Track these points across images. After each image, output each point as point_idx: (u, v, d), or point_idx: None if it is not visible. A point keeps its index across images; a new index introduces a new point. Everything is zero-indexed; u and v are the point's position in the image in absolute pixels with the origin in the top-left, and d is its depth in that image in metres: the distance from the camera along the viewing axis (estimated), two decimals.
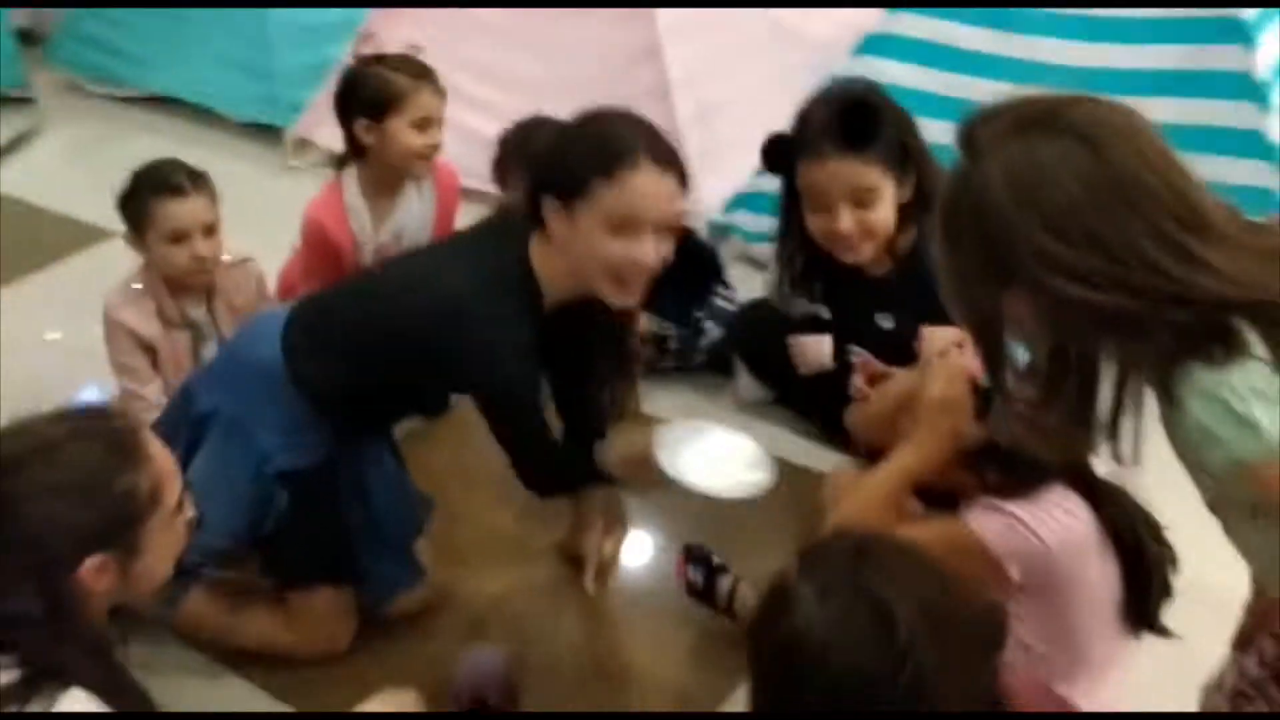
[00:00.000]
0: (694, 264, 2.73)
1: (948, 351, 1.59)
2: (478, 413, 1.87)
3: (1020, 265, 1.15)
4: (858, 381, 1.91)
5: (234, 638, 2.04)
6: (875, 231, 1.91)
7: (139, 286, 2.36)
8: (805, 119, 1.94)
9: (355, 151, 2.47)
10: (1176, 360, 1.14)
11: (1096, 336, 1.20)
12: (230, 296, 2.41)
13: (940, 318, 1.85)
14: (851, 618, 1.07)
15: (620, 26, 3.31)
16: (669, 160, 1.72)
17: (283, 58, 3.90)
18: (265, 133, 3.95)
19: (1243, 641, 1.49)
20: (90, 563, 1.29)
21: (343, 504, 2.01)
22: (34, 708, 1.22)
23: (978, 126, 1.22)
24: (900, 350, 2.01)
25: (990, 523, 1.50)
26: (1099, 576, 1.52)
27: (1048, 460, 1.46)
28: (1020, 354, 1.34)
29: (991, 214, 1.16)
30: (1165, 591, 1.54)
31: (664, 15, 3.27)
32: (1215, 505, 1.27)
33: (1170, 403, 1.16)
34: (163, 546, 1.38)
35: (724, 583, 2.11)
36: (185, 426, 1.90)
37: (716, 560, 2.14)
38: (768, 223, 2.92)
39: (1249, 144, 2.45)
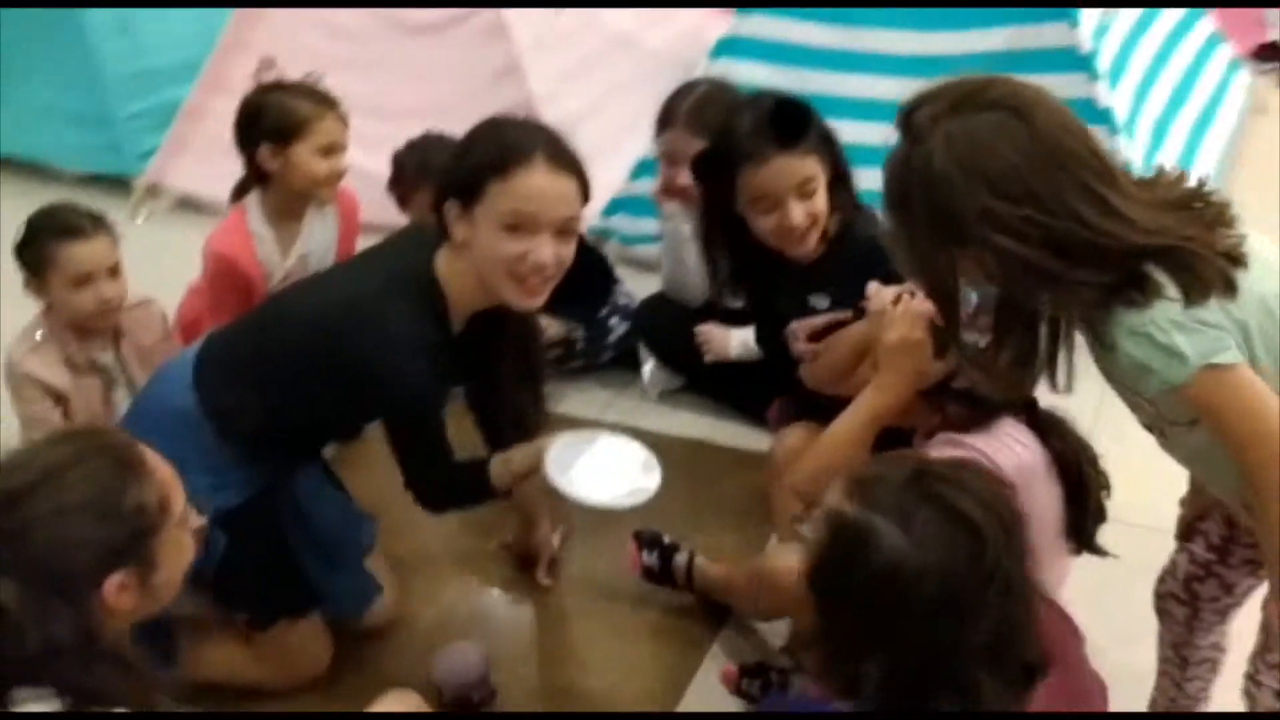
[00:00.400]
0: (588, 264, 2.83)
1: (898, 299, 1.71)
2: None
3: (969, 228, 1.29)
4: (799, 346, 2.04)
5: (200, 671, 2.00)
6: (819, 219, 2.02)
7: (41, 335, 2.28)
8: (732, 129, 2.02)
9: (258, 178, 2.47)
10: (1103, 307, 1.30)
11: (1035, 289, 1.35)
12: (137, 338, 2.36)
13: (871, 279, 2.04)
14: (941, 537, 1.15)
15: (478, 48, 3.39)
16: (566, 161, 1.75)
17: (122, 105, 3.81)
18: (106, 184, 3.82)
19: (1186, 533, 1.68)
20: (112, 581, 1.28)
21: (286, 534, 2.00)
22: None
23: (914, 111, 1.35)
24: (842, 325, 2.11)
25: (951, 454, 1.61)
26: (1046, 501, 1.64)
27: (998, 398, 1.61)
28: (970, 298, 1.49)
29: (940, 185, 1.30)
30: (1101, 515, 1.67)
31: (520, 33, 3.37)
32: (1152, 425, 1.45)
33: (1103, 345, 1.33)
34: (176, 557, 1.38)
35: (680, 559, 2.20)
36: None
37: (667, 539, 2.23)
38: (645, 225, 3.09)
39: (1081, 111, 2.72)
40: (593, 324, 2.83)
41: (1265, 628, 1.62)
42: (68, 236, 2.21)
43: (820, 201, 2.00)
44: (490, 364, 1.98)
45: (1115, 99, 2.87)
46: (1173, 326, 1.28)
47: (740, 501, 2.48)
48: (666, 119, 2.58)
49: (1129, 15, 3.19)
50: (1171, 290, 1.28)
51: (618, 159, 3.26)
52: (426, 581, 2.30)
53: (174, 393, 1.90)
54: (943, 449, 1.68)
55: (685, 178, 2.53)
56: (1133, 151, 2.85)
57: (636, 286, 3.00)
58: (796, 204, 1.98)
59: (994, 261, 1.31)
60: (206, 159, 3.70)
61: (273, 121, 2.39)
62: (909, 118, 1.35)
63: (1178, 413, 1.37)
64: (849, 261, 2.04)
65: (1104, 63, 2.87)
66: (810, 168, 1.99)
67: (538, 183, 1.71)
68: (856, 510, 1.20)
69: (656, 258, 3.01)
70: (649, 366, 2.83)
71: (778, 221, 1.99)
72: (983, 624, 1.15)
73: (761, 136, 1.96)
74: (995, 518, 1.17)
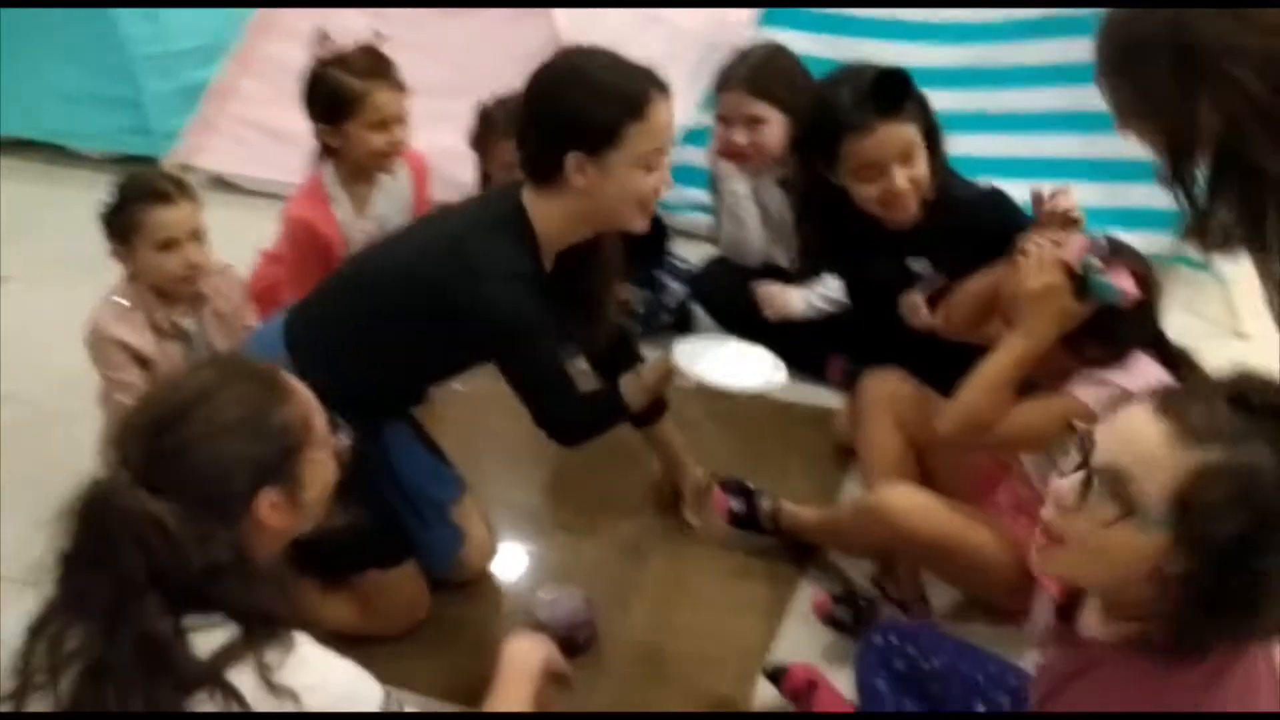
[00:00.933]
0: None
1: (1038, 244, 1.80)
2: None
3: (1215, 61, 1.35)
4: (922, 316, 2.17)
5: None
6: (921, 185, 2.10)
7: (125, 302, 2.31)
8: (832, 101, 2.09)
9: (324, 151, 2.51)
10: None
11: (1268, 139, 1.39)
12: (217, 304, 2.39)
13: (970, 249, 2.12)
14: None
15: (518, 25, 3.44)
16: (666, 86, 1.84)
17: (150, 86, 3.80)
18: (132, 165, 3.81)
19: None
20: (264, 498, 1.32)
21: (379, 488, 2.03)
22: (270, 659, 1.25)
23: None
24: (941, 288, 2.20)
25: (1096, 392, 1.73)
26: None
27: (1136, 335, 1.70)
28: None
29: (1189, 21, 1.37)
30: None
31: (559, 12, 3.42)
32: None
33: None
34: (321, 476, 1.41)
35: (765, 503, 2.26)
36: None
37: (751, 485, 2.30)
38: (691, 194, 3.15)
39: None
40: (650, 286, 2.89)
41: None
42: (154, 200, 2.24)
43: (921, 167, 2.08)
44: (590, 293, 2.03)
45: None
46: None
47: (808, 453, 2.56)
48: (725, 82, 2.65)
49: None
50: None
51: None
52: (518, 533, 2.36)
53: (268, 358, 1.91)
54: (1085, 387, 1.78)
55: (742, 138, 2.62)
56: None
57: (686, 254, 3.07)
58: (900, 170, 2.05)
59: (1235, 102, 1.36)
60: (236, 139, 3.74)
61: (324, 100, 2.44)
62: None
63: None
64: (945, 225, 2.15)
65: None
66: (912, 135, 2.07)
67: (664, 117, 1.81)
68: (1229, 455, 1.09)
69: (703, 226, 3.09)
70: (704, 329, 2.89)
71: (883, 189, 2.07)
72: None
73: (864, 107, 2.04)
74: None
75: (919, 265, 2.20)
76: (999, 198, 2.18)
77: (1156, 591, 1.14)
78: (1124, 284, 1.73)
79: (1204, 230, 1.53)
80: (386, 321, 1.90)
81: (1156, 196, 1.73)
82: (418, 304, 1.85)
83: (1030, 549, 2.03)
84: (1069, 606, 1.36)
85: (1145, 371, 1.74)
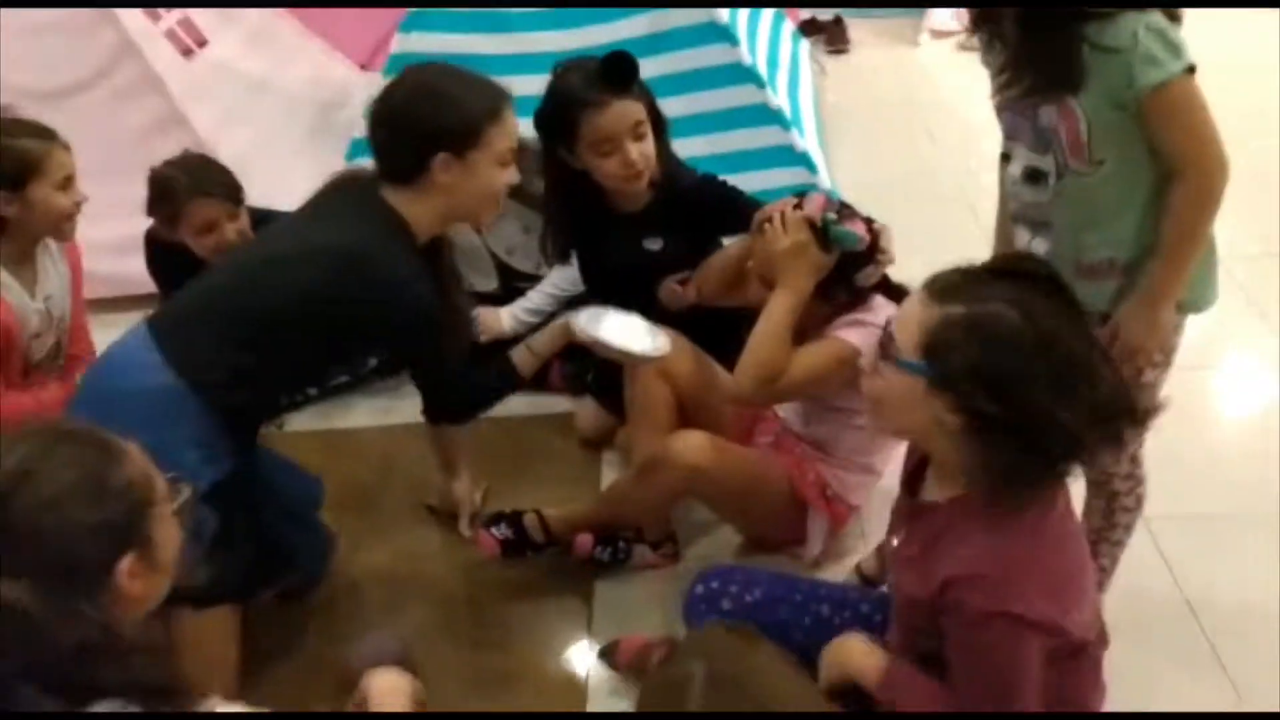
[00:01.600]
0: None
1: (776, 213, 2.04)
2: None
3: None
4: (673, 289, 2.40)
5: None
6: (651, 160, 2.30)
7: None
8: (564, 88, 2.27)
9: None
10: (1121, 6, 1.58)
11: None
12: None
13: (697, 226, 2.40)
14: (1048, 307, 1.36)
15: (131, 103, 3.28)
16: (508, 92, 2.01)
17: None
18: None
19: None
20: (122, 567, 1.23)
21: (257, 505, 2.02)
22: None
23: None
24: (674, 263, 2.42)
25: (859, 334, 2.02)
26: None
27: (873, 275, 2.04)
28: None
29: None
30: None
31: (172, 84, 3.31)
32: (1050, 174, 1.72)
33: (1104, 50, 1.57)
34: (171, 534, 1.33)
35: (528, 519, 2.31)
36: None
37: (508, 510, 2.35)
38: None
39: (759, 116, 3.19)
40: None
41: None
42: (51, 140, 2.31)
43: (650, 144, 2.29)
44: (443, 286, 2.09)
45: (778, 99, 3.33)
46: (1169, 29, 1.59)
47: (558, 457, 2.68)
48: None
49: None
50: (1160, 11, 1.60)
51: (289, 197, 3.29)
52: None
53: (144, 374, 1.86)
54: (845, 330, 2.07)
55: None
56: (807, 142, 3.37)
57: None
58: (633, 144, 2.25)
59: None
60: None
61: (5, 166, 2.26)
62: None
63: (1106, 138, 1.64)
64: (675, 206, 2.38)
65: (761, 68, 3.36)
66: (640, 111, 2.26)
67: (513, 119, 1.99)
68: (968, 307, 1.37)
69: None
70: None
71: (619, 161, 2.25)
72: (1096, 378, 1.36)
73: (596, 85, 2.22)
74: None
75: (653, 244, 2.41)
76: (715, 181, 2.44)
77: (956, 446, 1.41)
78: (859, 229, 2.02)
79: (1015, 72, 1.71)
80: (293, 322, 1.90)
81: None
82: (330, 305, 1.89)
83: (798, 478, 2.31)
84: (914, 482, 1.60)
85: (886, 308, 2.03)
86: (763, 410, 2.38)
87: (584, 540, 2.28)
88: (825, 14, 5.04)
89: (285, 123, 3.78)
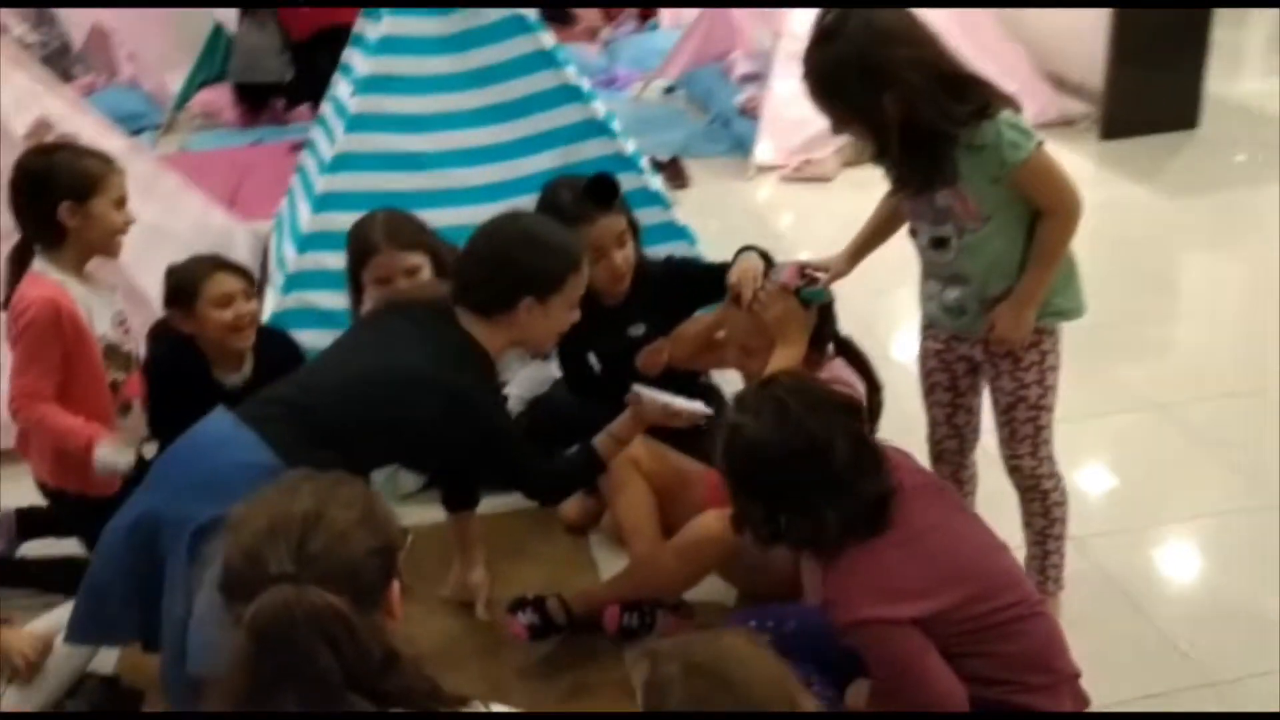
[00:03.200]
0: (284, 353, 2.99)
1: (749, 281, 2.37)
2: None
3: (887, 74, 2.01)
4: (649, 358, 2.64)
5: None
6: (632, 264, 2.65)
7: None
8: (557, 204, 2.57)
9: (56, 238, 2.51)
10: (981, 118, 2.06)
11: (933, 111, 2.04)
12: None
13: (672, 304, 2.71)
14: (773, 416, 1.87)
15: None
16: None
17: None
18: None
19: None
20: (394, 589, 1.39)
21: None
22: None
23: (825, 20, 2.07)
24: None
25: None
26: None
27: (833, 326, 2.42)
28: None
29: (864, 48, 2.03)
30: (877, 410, 2.49)
31: None
32: (948, 240, 2.19)
33: (975, 149, 2.06)
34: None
35: (551, 602, 2.48)
36: (178, 541, 1.90)
37: (530, 595, 2.50)
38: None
39: (666, 234, 3.47)
40: None
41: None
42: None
43: (631, 250, 2.61)
44: None
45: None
46: (1021, 120, 2.10)
47: (550, 545, 2.85)
48: (365, 250, 2.86)
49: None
50: (1005, 107, 2.09)
51: None
52: None
53: (246, 454, 1.95)
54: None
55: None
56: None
57: None
58: (618, 251, 2.56)
59: (906, 92, 2.02)
60: None
61: (70, 179, 2.47)
62: (825, 27, 2.07)
63: (990, 203, 2.12)
64: (651, 292, 2.70)
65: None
66: (623, 223, 2.59)
67: (588, 269, 2.28)
68: (732, 416, 1.92)
69: None
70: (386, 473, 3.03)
71: (606, 267, 2.54)
72: (829, 463, 1.83)
73: (585, 204, 2.51)
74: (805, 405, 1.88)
75: (636, 330, 2.70)
76: (679, 260, 2.81)
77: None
78: (825, 287, 2.40)
79: (908, 179, 2.20)
80: (385, 432, 2.08)
81: None
82: (422, 423, 2.08)
83: None
84: None
85: (841, 362, 2.46)
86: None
87: (612, 612, 2.46)
88: (662, 154, 5.55)
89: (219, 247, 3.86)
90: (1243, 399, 3.35)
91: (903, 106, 2.06)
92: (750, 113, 5.83)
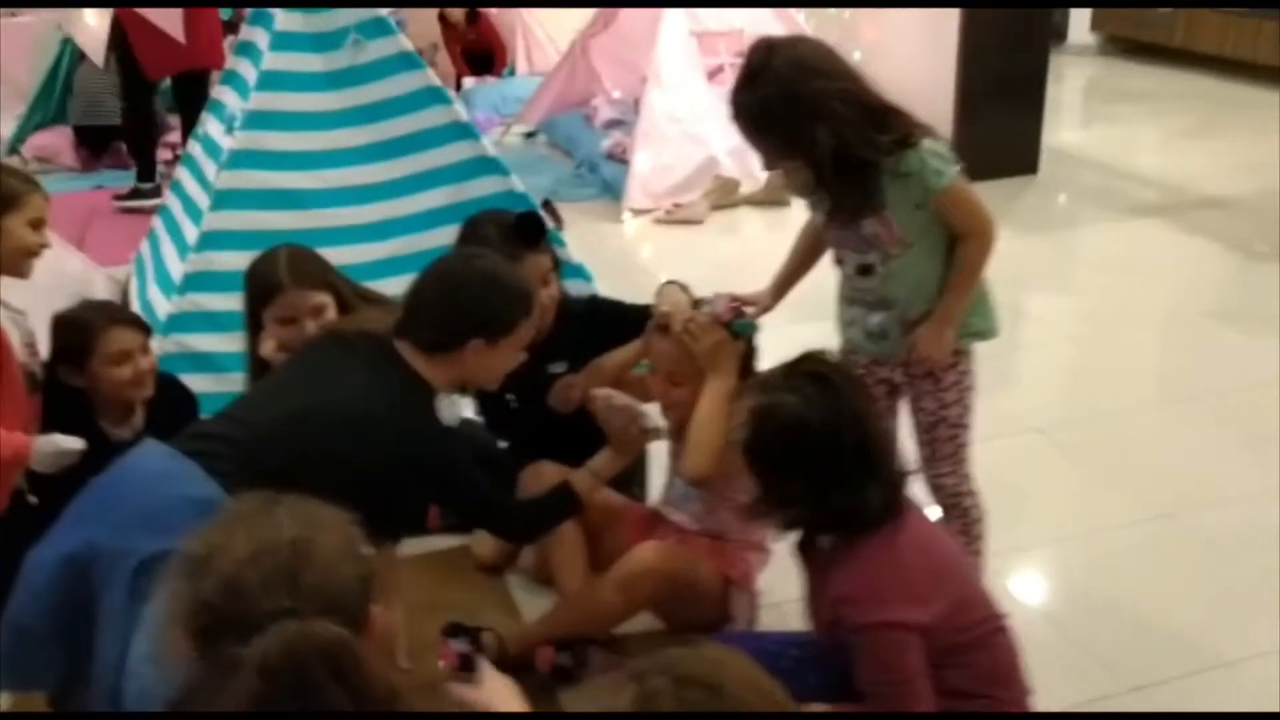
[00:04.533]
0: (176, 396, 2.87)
1: (679, 312, 2.37)
2: None
3: (815, 107, 2.06)
4: (565, 393, 2.60)
5: None
6: (556, 300, 2.64)
7: None
8: (485, 241, 2.51)
9: None
10: (905, 147, 2.13)
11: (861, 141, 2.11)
12: None
13: (595, 343, 2.70)
14: (818, 395, 1.89)
15: None
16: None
17: None
18: None
19: None
20: (378, 609, 1.36)
21: None
22: None
23: (753, 58, 2.11)
24: None
25: None
26: None
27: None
28: None
29: (789, 85, 2.08)
30: None
31: None
32: (872, 268, 2.26)
33: (899, 175, 2.14)
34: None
35: (487, 636, 2.40)
36: (118, 577, 1.77)
37: (467, 624, 2.34)
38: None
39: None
40: None
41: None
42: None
43: (555, 287, 2.57)
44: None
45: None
46: (942, 148, 2.18)
47: (467, 587, 2.75)
48: (268, 289, 2.72)
49: None
50: (927, 137, 2.17)
51: None
52: None
53: (193, 487, 1.86)
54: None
55: (313, 329, 2.76)
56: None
57: None
58: (543, 290, 2.51)
59: (835, 124, 2.07)
60: None
61: None
62: (751, 67, 2.11)
63: (913, 229, 2.19)
64: (573, 330, 2.69)
65: None
66: (549, 262, 2.56)
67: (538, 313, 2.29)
68: (760, 397, 1.91)
69: None
70: None
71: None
72: (870, 436, 1.88)
73: (512, 242, 2.46)
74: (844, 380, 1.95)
75: (558, 367, 2.66)
76: (601, 300, 2.80)
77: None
78: (754, 319, 2.42)
79: (841, 209, 2.26)
80: (337, 471, 1.87)
81: None
82: (376, 461, 1.99)
83: (726, 565, 2.61)
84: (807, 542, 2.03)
85: None
86: (660, 520, 2.65)
87: (545, 653, 2.39)
88: (533, 197, 5.53)
89: (45, 313, 3.63)
90: (1111, 419, 3.54)
91: (834, 137, 2.10)
92: (617, 157, 5.88)
